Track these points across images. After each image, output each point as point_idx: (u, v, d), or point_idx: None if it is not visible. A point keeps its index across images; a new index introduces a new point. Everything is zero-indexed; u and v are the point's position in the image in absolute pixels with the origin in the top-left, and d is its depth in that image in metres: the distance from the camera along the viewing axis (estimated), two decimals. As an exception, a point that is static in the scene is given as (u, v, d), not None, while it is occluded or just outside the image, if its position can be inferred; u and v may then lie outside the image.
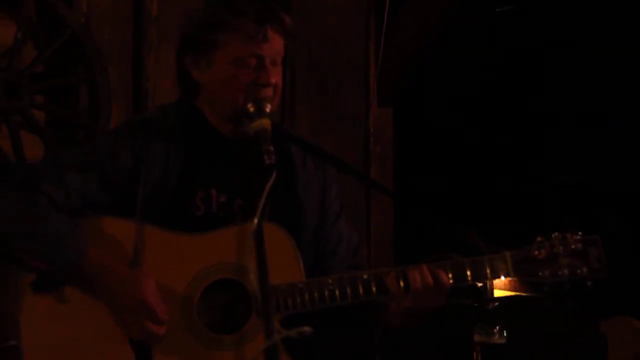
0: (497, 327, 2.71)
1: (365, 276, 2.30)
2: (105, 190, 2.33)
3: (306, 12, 4.25)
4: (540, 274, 2.31)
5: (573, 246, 2.30)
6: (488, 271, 2.32)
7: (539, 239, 2.32)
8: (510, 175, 4.65)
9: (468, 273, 2.31)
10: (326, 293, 2.28)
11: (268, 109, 2.32)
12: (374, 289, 2.29)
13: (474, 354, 2.71)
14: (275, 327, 2.10)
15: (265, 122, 2.26)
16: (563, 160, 4.62)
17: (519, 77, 4.72)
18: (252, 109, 2.31)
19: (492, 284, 3.78)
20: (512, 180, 4.62)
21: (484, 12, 4.60)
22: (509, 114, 4.79)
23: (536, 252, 2.31)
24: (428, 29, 4.28)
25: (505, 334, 2.70)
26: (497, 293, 3.95)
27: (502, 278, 2.36)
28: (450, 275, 2.30)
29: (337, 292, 2.29)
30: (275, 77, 2.38)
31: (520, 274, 2.32)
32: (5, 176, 2.36)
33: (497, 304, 3.69)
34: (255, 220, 2.09)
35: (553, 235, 2.32)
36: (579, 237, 2.31)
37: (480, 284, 3.67)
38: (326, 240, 2.53)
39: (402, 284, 2.28)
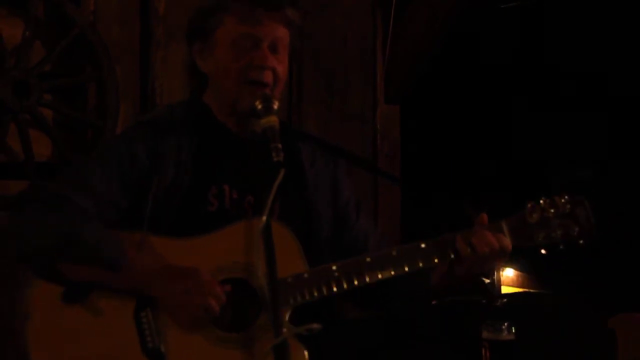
0: (506, 324, 2.71)
1: (368, 259, 2.33)
2: (125, 192, 2.35)
3: (313, 11, 4.25)
4: (535, 237, 2.37)
5: (562, 208, 2.38)
6: None
7: (529, 204, 2.38)
8: (520, 173, 4.65)
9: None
10: (332, 281, 2.30)
11: (275, 106, 2.33)
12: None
13: (483, 350, 2.71)
14: (285, 323, 2.11)
15: (273, 120, 2.27)
16: (573, 155, 4.62)
17: (527, 73, 4.71)
18: (259, 106, 2.32)
19: (499, 281, 3.77)
20: (521, 177, 4.61)
21: (491, 9, 4.59)
22: (518, 110, 4.78)
23: (529, 217, 2.37)
24: (435, 26, 4.27)
25: (513, 331, 2.70)
26: (505, 290, 3.95)
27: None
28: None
29: (342, 279, 2.30)
30: (274, 62, 2.40)
31: (516, 240, 2.37)
32: (34, 191, 2.38)
33: (505, 300, 3.69)
34: (263, 218, 2.10)
35: (542, 200, 2.39)
36: (566, 199, 2.39)
37: (487, 281, 3.67)
38: (354, 238, 2.56)
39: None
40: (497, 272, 3.71)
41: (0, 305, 3.47)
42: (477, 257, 2.32)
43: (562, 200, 2.39)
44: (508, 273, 4.09)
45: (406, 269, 2.34)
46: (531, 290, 4.00)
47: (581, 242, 2.38)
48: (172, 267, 2.26)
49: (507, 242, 2.35)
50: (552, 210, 2.38)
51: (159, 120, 2.47)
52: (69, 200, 2.29)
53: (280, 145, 2.20)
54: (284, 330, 2.04)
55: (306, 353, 2.24)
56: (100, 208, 2.33)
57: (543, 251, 2.39)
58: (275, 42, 2.42)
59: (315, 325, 2.09)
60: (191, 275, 2.23)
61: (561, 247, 2.38)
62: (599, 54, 4.50)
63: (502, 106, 4.82)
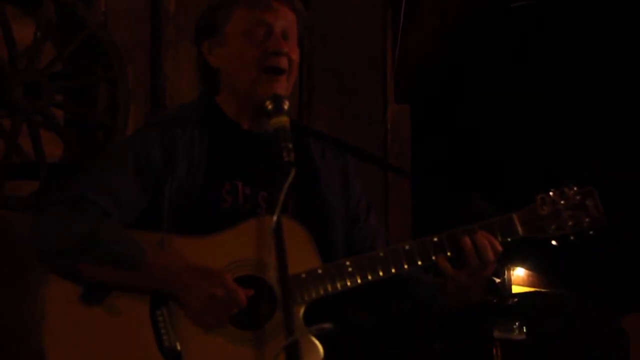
0: (517, 323, 2.70)
1: (381, 254, 2.34)
2: (143, 191, 2.37)
3: (323, 10, 4.25)
4: (547, 229, 2.39)
5: (572, 199, 2.40)
6: (498, 233, 2.37)
7: (539, 196, 2.40)
8: (531, 171, 4.64)
9: None
10: (346, 276, 2.31)
11: (286, 106, 2.33)
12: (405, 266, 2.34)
13: (494, 350, 2.71)
14: (298, 321, 2.11)
15: (284, 120, 2.27)
16: (585, 154, 4.61)
17: (537, 71, 4.70)
18: (270, 107, 2.32)
19: (510, 280, 3.77)
20: (533, 176, 4.60)
21: (501, 7, 4.58)
22: (529, 108, 4.77)
23: (540, 209, 2.39)
24: (444, 25, 4.27)
25: (525, 330, 2.69)
26: (516, 289, 3.94)
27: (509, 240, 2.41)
28: None
29: (356, 274, 2.31)
30: (287, 48, 2.41)
31: (528, 232, 2.39)
32: (55, 194, 2.39)
33: (516, 300, 3.69)
34: (275, 218, 2.10)
35: (551, 192, 2.41)
36: (575, 190, 2.41)
37: (498, 280, 3.67)
38: (363, 236, 2.57)
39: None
40: (507, 271, 3.71)
41: (2, 306, 3.49)
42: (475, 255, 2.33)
43: (572, 192, 2.41)
44: (519, 272, 4.09)
45: (419, 262, 2.35)
46: (542, 290, 3.99)
47: (591, 232, 2.40)
48: (196, 270, 2.27)
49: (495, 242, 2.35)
50: (562, 202, 2.40)
51: (171, 120, 2.49)
52: (91, 202, 2.32)
53: (291, 145, 2.20)
54: (296, 330, 2.04)
55: (321, 351, 2.24)
56: (121, 209, 2.35)
57: (554, 242, 2.40)
58: (286, 29, 2.44)
59: (327, 325, 2.08)
60: (216, 279, 2.24)
61: (572, 238, 2.40)
62: (606, 53, 4.49)
63: (511, 104, 4.81)
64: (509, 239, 2.39)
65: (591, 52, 4.53)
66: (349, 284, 2.31)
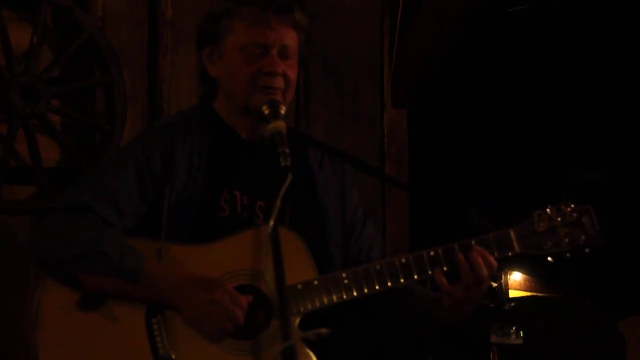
0: (514, 328, 2.70)
1: (378, 267, 2.33)
2: (144, 199, 2.37)
3: (322, 13, 4.25)
4: (543, 246, 2.39)
5: (569, 217, 2.40)
6: (495, 249, 2.37)
7: (537, 213, 2.40)
8: (529, 175, 4.64)
9: None
10: (343, 289, 2.30)
11: (283, 111, 2.33)
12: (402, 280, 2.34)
13: (491, 355, 2.71)
14: (294, 329, 2.11)
15: (281, 125, 2.27)
16: (582, 158, 4.61)
17: (535, 75, 4.71)
18: (267, 112, 2.32)
19: (507, 285, 3.77)
20: (530, 180, 4.60)
21: (499, 12, 4.59)
22: (526, 113, 4.78)
23: (537, 226, 2.39)
24: (442, 30, 4.27)
25: (522, 335, 2.69)
26: (513, 294, 3.94)
27: (510, 254, 2.41)
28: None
29: (353, 287, 2.30)
30: (284, 68, 2.40)
31: (525, 249, 2.39)
32: (56, 200, 2.38)
33: (513, 304, 3.69)
34: (271, 223, 2.10)
35: (548, 209, 2.41)
36: (572, 207, 2.41)
37: (495, 284, 3.67)
38: (359, 247, 2.56)
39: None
40: (504, 276, 3.71)
41: (2, 306, 3.50)
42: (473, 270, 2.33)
43: (569, 209, 2.40)
44: (516, 277, 4.09)
45: (416, 276, 2.34)
46: (539, 294, 3.99)
47: (587, 250, 2.39)
48: (196, 278, 2.27)
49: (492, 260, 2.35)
50: (559, 219, 2.39)
51: (172, 126, 2.48)
52: (91, 210, 2.31)
53: (288, 150, 2.19)
54: (293, 336, 2.04)
55: (315, 359, 2.24)
56: (121, 214, 2.34)
57: (550, 259, 2.40)
58: (285, 48, 2.42)
59: (324, 330, 2.09)
60: (216, 286, 2.24)
61: (568, 255, 2.40)
62: (605, 54, 4.50)
63: (510, 109, 4.82)
64: (509, 254, 2.39)
65: (590, 52, 4.54)
66: (345, 297, 2.30)
